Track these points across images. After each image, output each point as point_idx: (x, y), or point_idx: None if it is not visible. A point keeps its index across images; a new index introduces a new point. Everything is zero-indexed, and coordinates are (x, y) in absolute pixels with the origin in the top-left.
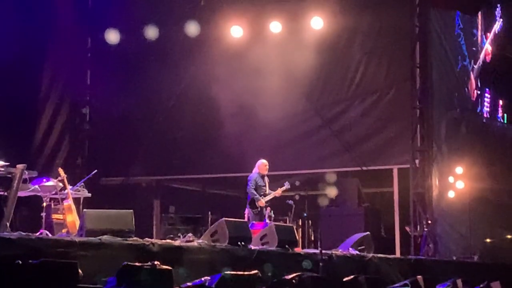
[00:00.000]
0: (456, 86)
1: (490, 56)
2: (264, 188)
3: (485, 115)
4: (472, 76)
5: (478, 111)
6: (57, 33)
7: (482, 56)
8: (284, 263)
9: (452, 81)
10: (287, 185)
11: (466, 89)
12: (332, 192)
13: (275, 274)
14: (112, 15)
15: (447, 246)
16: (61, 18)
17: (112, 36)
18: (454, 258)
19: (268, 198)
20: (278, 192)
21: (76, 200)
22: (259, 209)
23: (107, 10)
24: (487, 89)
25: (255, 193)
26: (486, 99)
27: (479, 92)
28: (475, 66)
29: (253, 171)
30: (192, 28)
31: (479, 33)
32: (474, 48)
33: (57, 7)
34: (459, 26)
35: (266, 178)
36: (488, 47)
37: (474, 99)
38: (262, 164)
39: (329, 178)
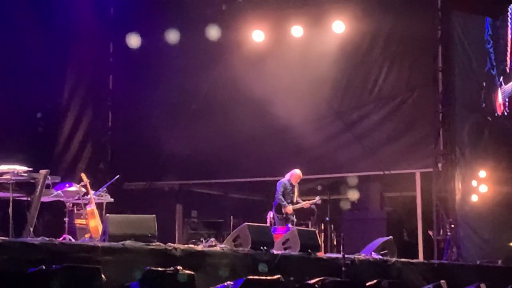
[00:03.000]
0: (481, 90)
1: None
2: (292, 195)
3: None
4: (498, 91)
5: None
6: (79, 39)
7: None
8: (307, 268)
9: (476, 85)
10: (318, 200)
11: (492, 97)
12: (354, 195)
13: (297, 279)
14: (133, 20)
15: (470, 250)
16: (83, 24)
17: (134, 40)
18: (478, 262)
19: (296, 207)
20: (307, 204)
21: (99, 205)
22: (284, 215)
23: (128, 15)
24: None
25: (283, 199)
26: None
27: (507, 110)
28: (504, 86)
29: (285, 177)
30: (213, 32)
31: (510, 43)
32: (501, 60)
33: (79, 13)
34: (489, 32)
35: (296, 187)
36: None
37: (500, 114)
38: (296, 175)
39: (351, 181)
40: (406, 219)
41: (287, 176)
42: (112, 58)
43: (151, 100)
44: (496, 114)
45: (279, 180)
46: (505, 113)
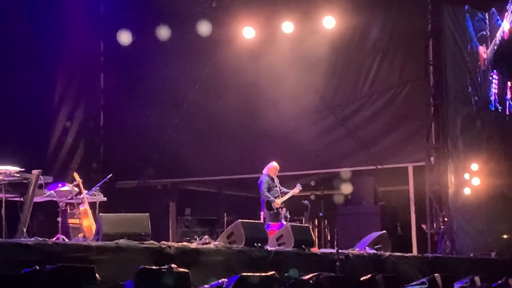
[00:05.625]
0: (469, 79)
1: (508, 34)
2: (276, 189)
3: (493, 97)
4: (481, 52)
5: (489, 92)
6: (70, 38)
7: (499, 35)
8: (301, 264)
9: (467, 77)
10: (299, 186)
11: (477, 70)
12: (347, 189)
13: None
14: (124, 17)
15: (464, 243)
16: (73, 24)
17: (124, 37)
18: (472, 255)
19: (284, 198)
20: (295, 191)
21: (92, 205)
22: (275, 210)
23: (118, 12)
24: (494, 71)
25: (269, 195)
26: (494, 80)
27: (491, 75)
28: (487, 50)
29: (263, 172)
30: (204, 28)
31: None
32: (484, 32)
33: (69, 13)
34: (466, 8)
35: (276, 179)
36: (506, 24)
37: (484, 68)
38: (273, 167)
39: (344, 174)
40: (400, 213)
41: (265, 171)
42: (103, 57)
43: (143, 98)
44: (482, 71)
45: None
46: (490, 78)
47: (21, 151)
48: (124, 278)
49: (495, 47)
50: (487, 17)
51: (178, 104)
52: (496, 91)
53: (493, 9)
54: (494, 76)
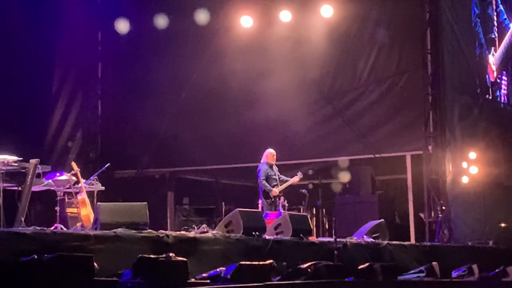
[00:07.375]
0: (470, 72)
1: None
2: (274, 177)
3: (502, 99)
4: (490, 63)
5: (497, 94)
6: (67, 28)
7: (507, 38)
8: (299, 252)
9: (465, 67)
10: (299, 175)
11: (485, 75)
12: (345, 177)
13: (290, 264)
14: (121, 6)
15: (462, 231)
16: (70, 13)
17: (122, 26)
18: (469, 243)
19: (283, 187)
20: (295, 180)
21: (90, 194)
22: (272, 199)
23: (116, 2)
24: (504, 72)
25: (267, 184)
26: (503, 81)
27: (499, 76)
28: (495, 53)
29: (261, 161)
30: (202, 17)
31: (494, 13)
32: (492, 35)
33: (66, 1)
34: (475, 13)
35: (275, 167)
36: None
37: (493, 80)
38: (269, 154)
39: (342, 163)
40: (398, 202)
41: (263, 159)
42: (100, 46)
43: (140, 87)
44: (490, 81)
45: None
46: (498, 80)
47: (19, 141)
48: (122, 267)
49: (504, 49)
50: (495, 17)
51: (175, 93)
52: (505, 92)
53: (500, 7)
54: (504, 77)
